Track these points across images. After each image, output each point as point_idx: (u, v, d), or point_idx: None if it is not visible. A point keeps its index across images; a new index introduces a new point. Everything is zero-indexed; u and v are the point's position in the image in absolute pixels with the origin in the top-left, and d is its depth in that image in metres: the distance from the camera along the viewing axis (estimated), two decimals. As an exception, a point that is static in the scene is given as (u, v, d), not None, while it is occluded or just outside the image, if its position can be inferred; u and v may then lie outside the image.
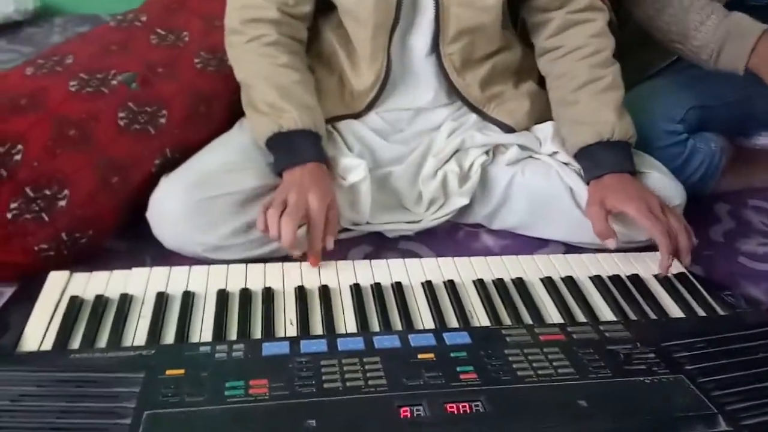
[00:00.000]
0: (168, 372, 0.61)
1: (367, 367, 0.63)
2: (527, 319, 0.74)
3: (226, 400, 0.57)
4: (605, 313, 0.77)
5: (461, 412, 0.58)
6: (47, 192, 0.76)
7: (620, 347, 0.68)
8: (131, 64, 0.89)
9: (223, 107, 0.94)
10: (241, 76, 0.90)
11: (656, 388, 0.62)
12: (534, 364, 0.65)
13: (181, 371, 0.61)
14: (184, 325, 0.69)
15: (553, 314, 0.76)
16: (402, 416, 0.57)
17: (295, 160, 0.84)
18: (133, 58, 0.90)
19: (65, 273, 0.76)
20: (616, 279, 0.83)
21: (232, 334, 0.69)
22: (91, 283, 0.75)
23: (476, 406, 0.59)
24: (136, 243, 0.90)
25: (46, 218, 0.76)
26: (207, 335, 0.69)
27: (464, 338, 0.68)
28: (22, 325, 0.68)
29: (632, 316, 0.76)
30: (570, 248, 0.96)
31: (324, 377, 0.61)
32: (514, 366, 0.64)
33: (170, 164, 0.87)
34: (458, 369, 0.63)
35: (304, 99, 0.87)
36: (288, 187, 0.81)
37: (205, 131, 0.91)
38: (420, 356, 0.65)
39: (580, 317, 0.76)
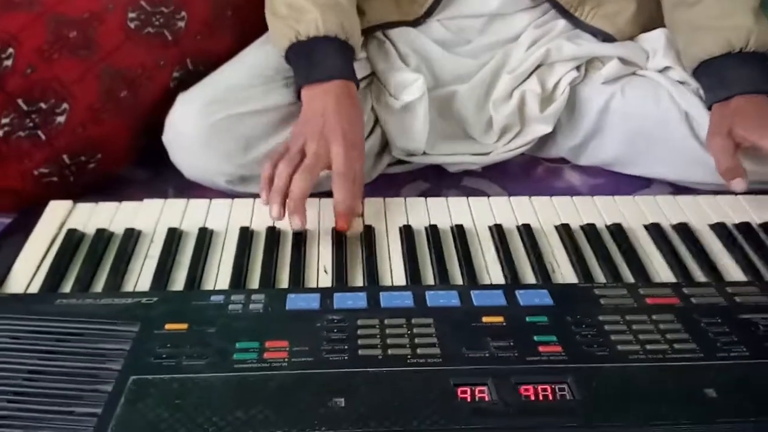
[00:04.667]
0: (168, 326, 0.49)
1: (416, 330, 0.49)
2: (628, 276, 0.58)
3: (233, 366, 0.45)
4: (731, 271, 0.59)
5: (541, 398, 0.44)
6: (43, 105, 0.65)
7: (758, 316, 0.51)
8: (146, -43, 0.75)
9: (254, 12, 0.78)
10: None
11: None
12: (640, 336, 0.49)
13: (184, 326, 0.49)
14: (197, 269, 0.57)
15: (661, 271, 0.59)
16: (460, 398, 0.43)
17: (315, 75, 0.66)
18: (148, -51, 0.76)
19: (67, 203, 0.65)
20: (744, 228, 0.64)
21: (254, 281, 0.56)
22: (95, 215, 0.64)
23: (561, 390, 0.44)
24: (158, 172, 0.79)
25: (43, 137, 0.65)
26: (223, 282, 0.56)
27: (544, 298, 0.53)
28: (10, 262, 0.57)
29: (769, 277, 0.57)
30: (679, 190, 0.77)
31: (360, 341, 0.47)
32: (613, 338, 0.49)
33: (192, 78, 0.73)
34: (536, 338, 0.48)
35: None
36: (309, 129, 0.63)
37: (231, 40, 0.77)
38: (485, 319, 0.50)
39: (699, 276, 0.58)
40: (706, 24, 0.70)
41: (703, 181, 0.74)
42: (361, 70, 0.78)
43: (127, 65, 0.70)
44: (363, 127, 0.68)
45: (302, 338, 0.48)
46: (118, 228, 0.62)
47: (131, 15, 0.71)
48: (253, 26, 0.78)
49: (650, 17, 0.79)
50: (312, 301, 0.52)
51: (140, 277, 0.57)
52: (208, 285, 0.56)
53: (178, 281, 0.56)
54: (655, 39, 0.76)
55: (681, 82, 0.74)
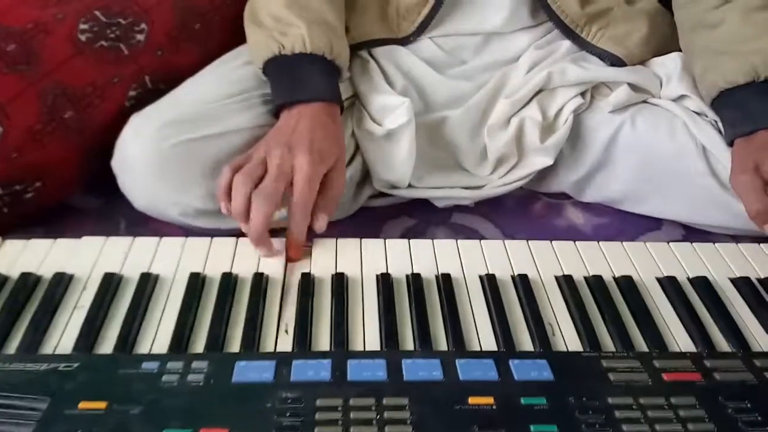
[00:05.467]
0: (82, 405, 0.40)
1: (387, 414, 0.40)
2: (640, 342, 0.49)
3: (155, 463, 0.36)
4: (759, 337, 0.51)
5: None
6: (-31, 127, 0.56)
7: (796, 400, 0.43)
8: (102, -38, 0.67)
9: (224, 25, 0.71)
10: None
11: None
12: (656, 428, 0.40)
13: (102, 405, 0.40)
14: (132, 325, 0.48)
15: (679, 336, 0.50)
16: None
17: (297, 95, 0.60)
18: (104, -47, 0.68)
19: (-7, 239, 0.56)
20: (773, 284, 0.56)
21: (199, 342, 0.48)
22: (23, 255, 0.55)
23: (563, 503, 0.35)
24: (110, 200, 0.70)
25: (-32, 163, 0.56)
26: (163, 342, 0.48)
27: (542, 371, 0.45)
28: None
29: (807, 347, 0.49)
30: (691, 232, 0.69)
31: (317, 429, 0.39)
32: (625, 429, 0.40)
33: (152, 97, 0.65)
34: (533, 429, 0.40)
35: (322, 12, 0.64)
36: (275, 138, 0.57)
37: (197, 55, 0.69)
38: (472, 400, 0.42)
39: (722, 344, 0.50)
40: (729, 48, 0.62)
41: (720, 224, 0.66)
42: (342, 91, 0.70)
43: (74, 81, 0.62)
44: (341, 144, 0.60)
45: (246, 423, 0.39)
46: (47, 271, 0.53)
47: (83, 26, 0.63)
48: (223, 40, 0.70)
49: (664, 40, 0.71)
50: (264, 371, 0.43)
51: (64, 334, 0.48)
52: (144, 346, 0.47)
53: (108, 340, 0.47)
54: (669, 64, 0.68)
55: (697, 113, 0.66)
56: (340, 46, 0.64)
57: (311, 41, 0.61)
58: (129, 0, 0.66)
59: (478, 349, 0.48)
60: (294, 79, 0.61)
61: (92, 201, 0.72)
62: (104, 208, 0.71)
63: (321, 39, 0.62)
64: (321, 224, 0.56)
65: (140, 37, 0.66)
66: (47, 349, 0.46)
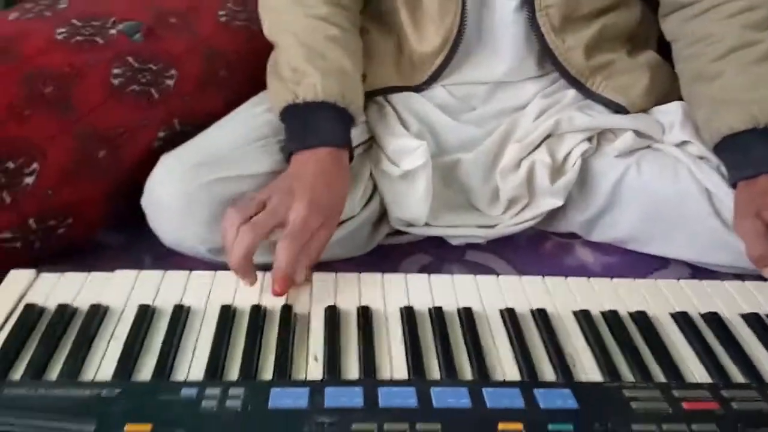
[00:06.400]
0: (128, 428, 0.41)
1: (421, 439, 0.41)
2: (657, 373, 0.51)
3: (201, 484, 0.37)
4: (771, 370, 0.53)
5: None
6: (10, 165, 0.59)
7: (810, 429, 0.44)
8: (137, 11, 0.71)
9: (248, 72, 0.74)
10: (268, 30, 0.70)
11: None
12: (681, 452, 0.42)
13: (147, 427, 0.41)
14: (168, 354, 0.50)
15: (695, 368, 0.52)
16: None
17: (308, 141, 0.63)
18: (140, 3, 0.72)
19: (29, 272, 0.58)
20: (780, 320, 0.58)
21: (233, 371, 0.49)
22: (58, 288, 0.57)
23: None
24: (135, 237, 0.72)
25: (8, 199, 0.59)
26: (198, 370, 0.49)
27: (567, 399, 0.46)
28: (-43, 341, 0.50)
29: (816, 378, 0.51)
30: (697, 271, 0.72)
31: (355, 452, 0.40)
32: (651, 453, 0.41)
33: (179, 139, 0.68)
34: (563, 453, 0.41)
35: (337, 61, 0.67)
36: (278, 184, 0.60)
37: (222, 100, 0.72)
38: (502, 426, 0.43)
39: (736, 374, 0.52)
40: (729, 97, 0.66)
41: (726, 264, 0.69)
42: (360, 134, 0.73)
43: (107, 124, 0.65)
44: (342, 196, 0.63)
45: (287, 447, 0.40)
46: (83, 303, 0.55)
47: (116, 71, 0.67)
48: (245, 86, 0.74)
49: (665, 90, 0.75)
50: (299, 398, 0.45)
51: (103, 362, 0.49)
52: (180, 373, 0.49)
53: (146, 368, 0.49)
54: (671, 112, 0.72)
55: (700, 158, 0.70)
56: (353, 93, 0.67)
57: (323, 90, 0.64)
58: (160, 47, 0.70)
59: (502, 379, 0.50)
60: (305, 126, 0.64)
61: (117, 237, 0.74)
62: (129, 244, 0.73)
63: (333, 88, 0.64)
64: (299, 275, 0.56)
65: (170, 82, 0.70)
66: (87, 377, 0.48)
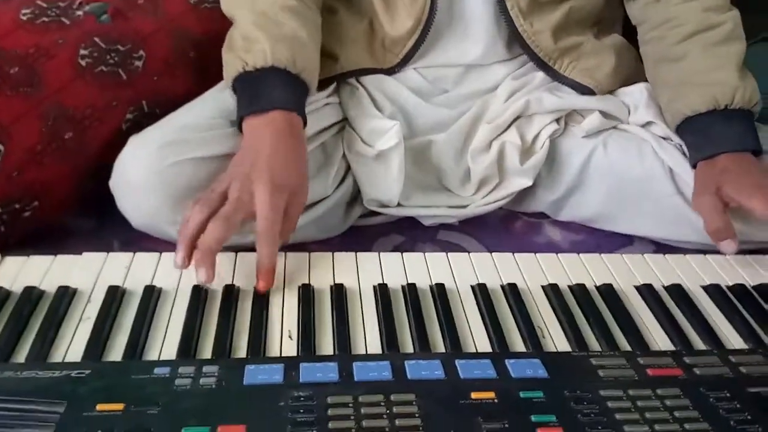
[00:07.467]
0: (100, 407, 0.41)
1: (396, 409, 0.42)
2: (623, 343, 0.53)
3: (177, 458, 0.37)
4: (731, 338, 0.55)
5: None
6: (-28, 146, 0.57)
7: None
8: (103, -9, 0.70)
9: (218, 54, 0.73)
10: (225, 5, 0.69)
11: None
12: (647, 415, 0.43)
13: (120, 406, 0.41)
14: (140, 334, 0.49)
15: (659, 337, 0.54)
16: (449, 494, 0.36)
17: (256, 105, 0.60)
18: (106, -17, 0.71)
19: (-7, 256, 0.56)
20: (740, 290, 0.60)
21: (206, 349, 0.49)
22: (24, 271, 0.56)
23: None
24: (103, 222, 0.71)
25: (-30, 181, 0.57)
26: (170, 350, 0.49)
27: (537, 369, 0.47)
28: None
29: (772, 343, 0.53)
30: (661, 248, 0.74)
31: (331, 424, 0.40)
32: (618, 417, 0.43)
33: (147, 120, 0.67)
34: (534, 419, 0.42)
35: (291, 30, 0.64)
36: (235, 170, 0.57)
37: (191, 82, 0.72)
38: (474, 395, 0.44)
39: (698, 342, 0.54)
40: (691, 80, 0.68)
41: (688, 240, 0.71)
42: (332, 115, 0.73)
43: (74, 104, 0.64)
44: (303, 168, 0.61)
45: (263, 421, 0.40)
46: (50, 285, 0.54)
47: (83, 52, 0.65)
48: (215, 67, 0.72)
49: (630, 72, 0.77)
50: (274, 374, 0.45)
51: (72, 343, 0.49)
52: (152, 354, 0.48)
53: (117, 349, 0.48)
54: (636, 93, 0.74)
55: (663, 138, 0.72)
56: (306, 61, 0.64)
57: (273, 55, 0.61)
58: (128, 28, 0.69)
59: (474, 350, 0.51)
60: (255, 92, 0.61)
61: (84, 222, 0.73)
62: (96, 228, 0.72)
63: (283, 53, 0.62)
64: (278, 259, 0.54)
65: (138, 63, 0.69)
66: (56, 358, 0.47)
